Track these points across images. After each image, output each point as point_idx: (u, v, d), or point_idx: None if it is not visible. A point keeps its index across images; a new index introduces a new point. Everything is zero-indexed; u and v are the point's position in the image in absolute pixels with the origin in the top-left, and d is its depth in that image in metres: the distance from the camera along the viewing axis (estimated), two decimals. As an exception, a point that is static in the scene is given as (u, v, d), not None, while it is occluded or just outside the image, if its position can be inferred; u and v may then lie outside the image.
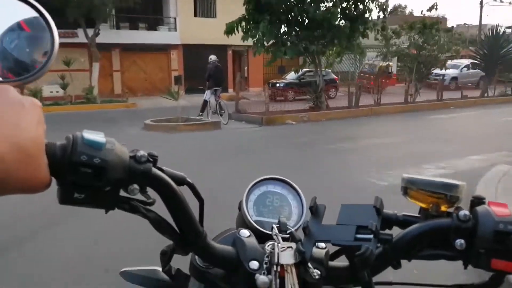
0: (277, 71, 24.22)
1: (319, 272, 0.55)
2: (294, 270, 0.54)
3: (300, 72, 17.90)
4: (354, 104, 14.22)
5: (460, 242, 0.54)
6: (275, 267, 0.54)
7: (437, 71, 18.14)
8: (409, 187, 0.60)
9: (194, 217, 0.56)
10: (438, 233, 0.56)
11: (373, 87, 15.66)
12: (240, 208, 0.70)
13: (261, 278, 0.53)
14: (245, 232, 0.60)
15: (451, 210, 0.57)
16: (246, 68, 25.31)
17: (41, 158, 0.43)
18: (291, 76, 20.05)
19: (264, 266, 0.55)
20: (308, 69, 17.07)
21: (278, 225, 0.62)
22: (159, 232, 0.55)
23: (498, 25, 20.54)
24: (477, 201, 0.56)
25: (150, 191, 0.53)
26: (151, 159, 0.52)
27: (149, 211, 0.54)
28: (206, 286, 0.64)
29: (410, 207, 0.63)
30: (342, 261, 0.60)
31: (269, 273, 0.54)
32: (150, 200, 0.53)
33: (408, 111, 14.58)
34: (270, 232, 0.61)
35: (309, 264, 0.55)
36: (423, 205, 0.60)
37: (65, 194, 0.47)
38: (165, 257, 0.64)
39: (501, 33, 20.14)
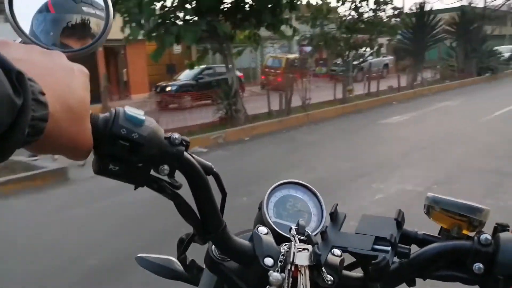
0: (165, 71, 19.10)
1: (332, 278, 0.55)
2: (307, 272, 0.54)
3: (198, 69, 13.23)
4: (285, 110, 10.06)
5: (478, 266, 0.54)
6: (289, 266, 0.54)
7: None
8: (433, 206, 0.59)
9: (217, 207, 0.57)
10: (457, 255, 0.56)
11: (282, 84, 11.90)
12: (260, 208, 0.67)
13: (275, 275, 0.53)
14: (263, 229, 0.60)
15: (472, 234, 0.57)
16: (125, 70, 19.71)
17: (87, 120, 0.46)
18: (185, 75, 15.35)
19: (279, 264, 0.55)
20: (206, 65, 12.52)
21: (296, 227, 0.60)
22: (182, 216, 0.56)
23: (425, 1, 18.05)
24: (501, 228, 0.56)
25: (177, 177, 0.53)
26: (184, 143, 0.53)
27: (175, 194, 0.54)
28: (219, 279, 0.63)
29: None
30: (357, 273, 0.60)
31: (282, 271, 0.54)
32: (177, 183, 0.54)
33: (350, 112, 11.02)
34: (287, 235, 0.60)
35: (323, 269, 0.54)
36: (445, 226, 0.59)
37: (101, 164, 0.49)
38: (182, 245, 0.64)
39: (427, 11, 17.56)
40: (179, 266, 0.72)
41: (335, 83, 12.77)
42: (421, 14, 16.89)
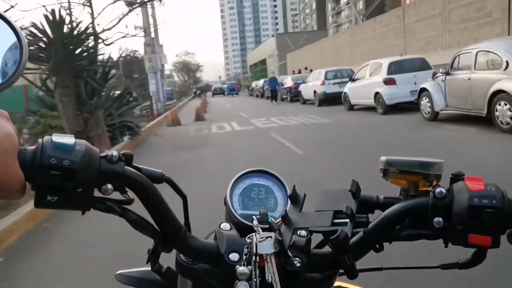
0: None
1: (300, 260, 0.55)
2: (273, 259, 0.54)
3: None
4: None
5: (438, 220, 0.53)
6: (254, 257, 0.54)
7: None
8: (388, 169, 0.59)
9: (172, 214, 0.56)
10: (417, 213, 0.55)
11: None
12: (225, 203, 0.67)
13: (240, 269, 0.53)
14: (226, 226, 0.60)
15: (430, 189, 0.56)
16: None
17: (14, 156, 0.45)
18: None
19: (244, 257, 0.54)
20: None
21: (259, 217, 0.60)
22: (138, 230, 0.55)
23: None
24: (456, 177, 0.55)
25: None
26: (124, 158, 0.52)
27: (125, 210, 0.53)
28: (193, 282, 0.62)
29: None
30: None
31: (249, 264, 0.54)
32: (128, 198, 0.54)
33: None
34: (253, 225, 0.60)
35: (289, 253, 0.55)
36: (403, 186, 0.59)
37: (39, 197, 0.48)
38: (152, 256, 0.62)
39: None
40: (157, 276, 0.68)
41: None
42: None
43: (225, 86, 56.70)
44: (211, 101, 35.29)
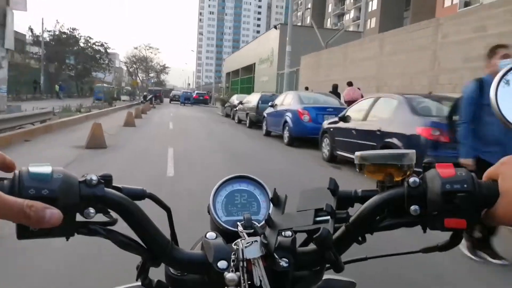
0: None
1: (286, 260, 0.56)
2: (261, 262, 0.55)
3: None
4: None
5: (415, 208, 0.55)
6: (241, 263, 0.55)
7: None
8: (363, 163, 0.60)
9: (156, 229, 0.56)
10: (394, 203, 0.57)
11: None
12: (209, 211, 0.67)
13: (229, 276, 0.53)
14: (211, 235, 0.60)
15: (405, 178, 0.58)
16: None
17: None
18: None
19: (232, 264, 0.55)
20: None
21: (243, 222, 0.62)
22: (124, 250, 0.55)
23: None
24: (428, 165, 0.57)
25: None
26: (103, 180, 0.52)
27: (110, 231, 0.54)
28: None
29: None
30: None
31: (237, 270, 0.54)
32: (112, 219, 0.54)
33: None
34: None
35: (275, 254, 0.55)
36: (379, 178, 0.60)
37: (21, 229, 0.47)
38: (141, 272, 0.62)
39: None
40: None
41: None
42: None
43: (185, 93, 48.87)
44: (157, 113, 25.79)
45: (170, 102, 48.35)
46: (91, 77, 52.09)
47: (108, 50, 51.28)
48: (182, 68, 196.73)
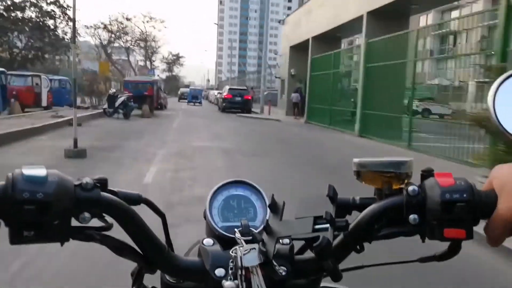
0: None
1: (284, 269, 0.55)
2: (259, 271, 0.54)
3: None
4: None
5: (413, 217, 0.54)
6: (240, 271, 0.54)
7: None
8: (360, 171, 0.60)
9: (153, 235, 0.55)
10: (393, 211, 0.56)
11: None
12: (205, 216, 0.66)
13: (227, 284, 0.53)
14: (209, 241, 0.60)
15: (403, 186, 0.57)
16: None
17: None
18: None
19: (230, 271, 0.54)
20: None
21: (240, 228, 0.61)
22: (120, 256, 0.54)
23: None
24: (426, 174, 0.56)
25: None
26: (99, 184, 0.51)
27: (105, 237, 0.53)
28: None
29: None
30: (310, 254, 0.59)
31: (235, 278, 0.54)
32: (107, 224, 0.52)
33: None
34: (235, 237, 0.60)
35: (274, 262, 0.55)
36: (377, 186, 0.60)
37: (14, 234, 0.46)
38: (137, 279, 0.61)
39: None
40: None
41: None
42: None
43: (195, 91, 41.93)
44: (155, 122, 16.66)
45: (179, 101, 45.02)
46: (46, 63, 30.89)
47: (68, 12, 26.99)
48: (195, 65, 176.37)
